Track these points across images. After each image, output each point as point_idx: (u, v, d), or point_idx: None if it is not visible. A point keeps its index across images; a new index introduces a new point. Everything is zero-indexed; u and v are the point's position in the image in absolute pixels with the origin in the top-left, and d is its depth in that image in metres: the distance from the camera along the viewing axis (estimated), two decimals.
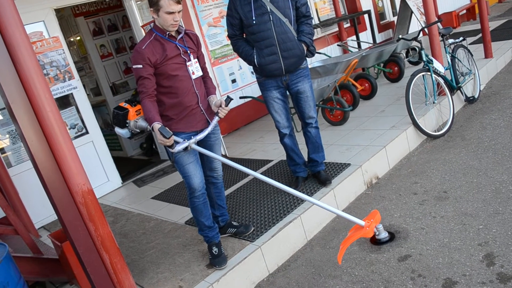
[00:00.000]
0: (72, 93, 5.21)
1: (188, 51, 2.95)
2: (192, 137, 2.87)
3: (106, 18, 7.59)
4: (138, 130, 2.92)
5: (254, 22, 3.39)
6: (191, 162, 2.96)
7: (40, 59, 4.94)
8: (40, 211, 4.74)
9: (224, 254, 3.07)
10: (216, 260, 3.02)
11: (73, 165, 2.36)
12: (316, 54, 6.59)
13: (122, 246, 3.72)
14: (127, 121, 2.90)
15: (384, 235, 2.21)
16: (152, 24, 2.92)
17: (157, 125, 2.69)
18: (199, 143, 2.90)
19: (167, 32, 2.84)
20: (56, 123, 2.30)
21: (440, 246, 2.92)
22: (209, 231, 3.13)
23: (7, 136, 4.75)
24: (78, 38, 7.50)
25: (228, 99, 2.92)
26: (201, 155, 3.08)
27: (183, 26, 2.98)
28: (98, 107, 7.51)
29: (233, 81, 6.72)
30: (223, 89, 6.57)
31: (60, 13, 7.10)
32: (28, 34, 4.86)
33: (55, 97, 5.07)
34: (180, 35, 2.92)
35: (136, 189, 5.29)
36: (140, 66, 2.78)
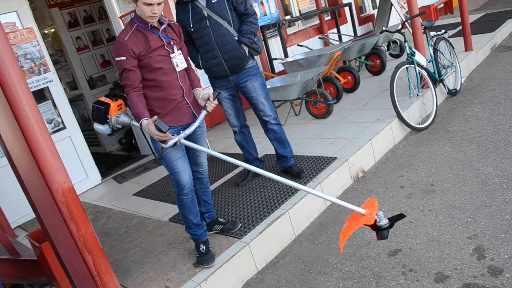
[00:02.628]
0: (48, 87, 5.01)
1: (172, 43, 2.83)
2: (181, 131, 2.76)
3: (82, 9, 7.36)
4: (119, 126, 2.78)
5: (192, 29, 3.45)
6: (179, 158, 2.85)
7: (13, 51, 4.73)
8: (16, 210, 4.55)
9: (211, 252, 2.99)
10: (204, 258, 2.93)
11: (53, 162, 2.24)
12: (298, 47, 6.49)
13: (104, 245, 3.57)
14: (108, 116, 2.75)
15: (385, 221, 2.16)
16: (133, 14, 2.79)
17: (145, 121, 2.56)
18: (186, 137, 2.79)
19: (149, 23, 2.72)
20: (33, 117, 2.17)
21: (429, 240, 2.90)
22: (197, 229, 3.04)
23: None
24: (53, 30, 7.25)
25: (216, 92, 2.81)
26: (187, 149, 2.98)
27: (166, 17, 2.86)
28: (74, 102, 7.29)
29: None
30: (204, 82, 6.42)
31: (33, 3, 6.84)
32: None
33: (30, 90, 4.88)
34: (163, 26, 2.80)
35: (116, 186, 5.14)
36: (124, 58, 2.63)
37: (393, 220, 2.21)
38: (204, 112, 2.83)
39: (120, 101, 2.80)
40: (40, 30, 6.88)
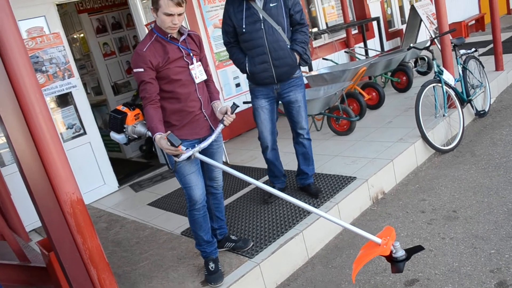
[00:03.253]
0: (71, 92, 5.05)
1: (191, 54, 2.77)
2: (196, 145, 2.70)
3: (110, 16, 7.45)
4: (135, 136, 2.74)
5: (244, 30, 3.32)
6: (193, 172, 2.79)
7: (39, 55, 4.80)
8: (32, 213, 4.54)
9: (221, 270, 2.91)
10: (213, 277, 2.85)
11: (63, 172, 2.20)
12: (323, 60, 6.39)
13: (114, 256, 3.56)
14: (125, 126, 2.72)
15: (401, 253, 2.05)
16: (153, 24, 2.75)
17: (158, 136, 2.52)
18: (201, 151, 2.73)
19: (169, 34, 2.68)
20: (46, 126, 2.14)
21: (449, 271, 2.75)
22: (207, 246, 2.95)
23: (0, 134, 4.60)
24: (82, 35, 7.36)
25: (234, 106, 2.74)
26: (202, 163, 2.91)
27: (187, 27, 2.81)
28: (98, 107, 7.37)
29: (237, 85, 6.56)
30: (227, 93, 6.41)
31: (63, 9, 6.97)
32: (28, 29, 4.80)
33: (53, 95, 4.94)
34: (183, 37, 2.75)
35: (132, 194, 5.12)
36: (142, 69, 2.60)
37: (410, 252, 2.09)
38: (221, 126, 2.77)
39: (137, 111, 2.76)
40: (69, 35, 7.03)
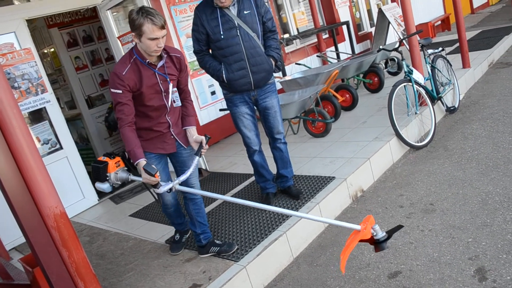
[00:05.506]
0: (45, 107, 4.99)
1: (168, 79, 2.82)
2: (174, 179, 2.73)
3: (81, 30, 7.38)
4: (119, 183, 2.79)
5: (222, 36, 3.32)
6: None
7: (11, 72, 4.74)
8: (11, 231, 4.48)
9: (183, 243, 3.47)
10: (174, 246, 3.45)
11: (44, 186, 2.20)
12: (296, 65, 6.48)
13: (99, 268, 3.53)
14: (107, 174, 2.76)
15: (381, 234, 2.12)
16: (134, 44, 2.76)
17: (142, 162, 2.58)
18: (172, 158, 3.01)
19: (147, 60, 2.72)
20: (25, 140, 2.13)
21: (430, 261, 2.84)
22: (177, 225, 3.46)
23: None
24: (52, 49, 7.27)
25: (207, 137, 2.87)
26: (177, 171, 3.16)
27: (166, 50, 2.83)
28: (73, 121, 7.27)
29: (213, 93, 6.59)
30: (202, 101, 6.43)
31: (32, 24, 6.87)
32: None
33: (27, 111, 4.87)
34: (161, 62, 2.78)
35: (113, 206, 5.08)
36: (120, 91, 2.65)
37: (390, 232, 2.16)
38: (197, 159, 2.87)
39: (117, 159, 2.83)
40: (40, 50, 6.92)
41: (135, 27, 2.58)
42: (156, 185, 2.61)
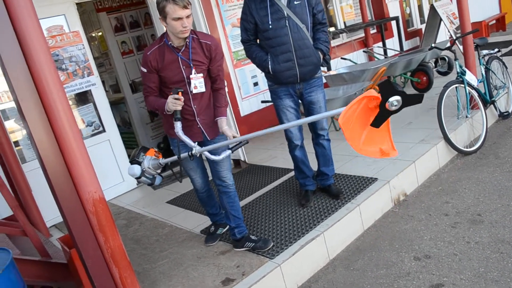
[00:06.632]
0: (90, 90, 5.08)
1: (191, 64, 2.81)
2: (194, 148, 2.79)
3: (129, 15, 7.46)
4: (150, 168, 2.82)
5: (270, 26, 3.24)
6: (191, 169, 3.21)
7: (59, 54, 4.83)
8: (53, 209, 4.57)
9: (218, 234, 3.44)
10: (208, 237, 3.46)
11: (85, 171, 2.20)
12: (341, 60, 6.33)
13: (134, 253, 3.56)
14: (143, 156, 2.82)
15: (396, 98, 1.83)
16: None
17: (168, 101, 2.73)
18: (202, 145, 2.94)
19: (170, 43, 2.78)
20: (69, 124, 2.13)
21: (475, 276, 2.68)
22: (211, 216, 3.52)
23: (22, 130, 4.63)
24: (100, 33, 7.40)
25: (244, 142, 2.85)
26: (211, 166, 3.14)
27: (197, 35, 2.84)
28: (116, 104, 7.39)
29: (255, 84, 6.53)
30: (245, 92, 6.38)
31: (82, 7, 7.00)
32: (49, 28, 4.83)
33: (73, 93, 4.96)
34: (184, 46, 2.80)
35: (151, 192, 5.13)
36: (145, 70, 2.82)
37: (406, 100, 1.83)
38: (228, 152, 2.88)
39: (160, 153, 2.91)
40: (87, 33, 7.05)
41: (160, 10, 2.65)
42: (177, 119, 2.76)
